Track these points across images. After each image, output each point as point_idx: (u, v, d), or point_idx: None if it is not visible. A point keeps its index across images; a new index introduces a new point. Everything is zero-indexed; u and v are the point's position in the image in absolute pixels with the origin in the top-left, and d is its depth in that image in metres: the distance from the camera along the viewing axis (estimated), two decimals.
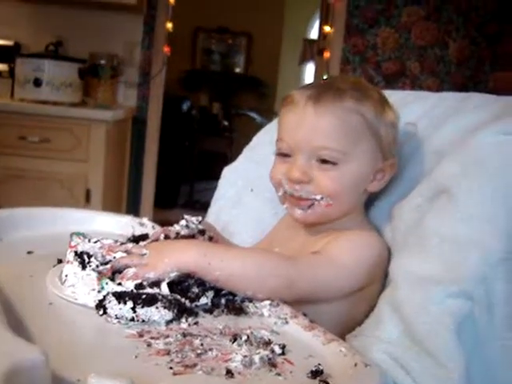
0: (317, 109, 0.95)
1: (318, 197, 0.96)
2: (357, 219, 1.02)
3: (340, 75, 3.36)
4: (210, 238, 0.99)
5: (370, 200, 1.07)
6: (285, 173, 0.98)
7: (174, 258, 0.80)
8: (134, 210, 3.65)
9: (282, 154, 1.00)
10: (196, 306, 0.79)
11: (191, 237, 0.95)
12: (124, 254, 0.84)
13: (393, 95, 1.18)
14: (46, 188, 2.97)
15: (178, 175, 5.57)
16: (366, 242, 0.97)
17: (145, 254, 0.83)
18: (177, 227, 0.96)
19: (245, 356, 0.66)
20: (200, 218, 1.02)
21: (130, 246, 0.87)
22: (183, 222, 0.98)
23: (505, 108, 0.96)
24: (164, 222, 1.05)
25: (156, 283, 0.77)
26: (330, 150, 0.94)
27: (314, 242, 0.98)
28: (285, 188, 0.99)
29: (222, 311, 0.80)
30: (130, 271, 0.79)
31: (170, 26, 3.68)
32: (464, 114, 1.01)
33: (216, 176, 1.42)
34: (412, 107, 1.12)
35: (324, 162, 0.95)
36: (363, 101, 0.97)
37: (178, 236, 0.94)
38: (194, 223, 0.99)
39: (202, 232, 0.98)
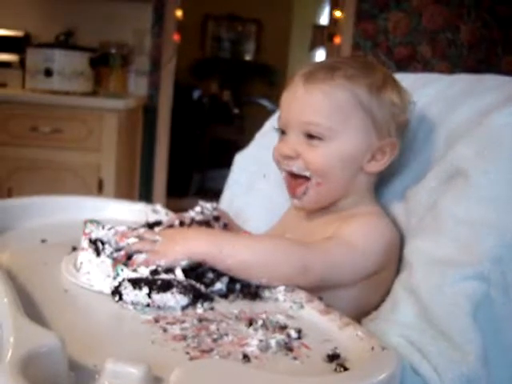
0: (307, 86, 0.96)
1: (308, 173, 0.96)
2: (363, 202, 1.00)
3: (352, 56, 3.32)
4: (225, 225, 0.99)
5: (383, 183, 1.06)
6: (278, 149, 0.99)
7: (185, 246, 0.80)
8: (146, 198, 3.64)
9: (281, 132, 1.01)
10: (211, 291, 0.79)
11: (206, 223, 0.95)
12: (136, 240, 0.84)
13: (405, 78, 1.17)
14: (59, 178, 2.97)
15: (189, 163, 5.56)
16: (378, 228, 0.96)
17: (157, 241, 0.83)
18: (192, 213, 0.96)
19: (261, 340, 0.66)
20: (215, 205, 1.02)
21: (142, 231, 0.87)
22: (198, 209, 0.98)
23: None
24: (177, 211, 1.05)
25: (171, 269, 0.77)
26: (316, 125, 0.95)
27: (324, 226, 0.97)
28: (282, 166, 0.99)
29: (238, 296, 0.79)
30: (141, 257, 0.79)
31: (179, 13, 3.67)
32: (478, 96, 1.00)
33: (228, 164, 1.41)
34: (425, 89, 1.11)
35: (311, 137, 0.95)
36: (356, 79, 0.96)
37: (192, 222, 0.94)
38: (208, 209, 0.99)
39: (216, 218, 0.98)
